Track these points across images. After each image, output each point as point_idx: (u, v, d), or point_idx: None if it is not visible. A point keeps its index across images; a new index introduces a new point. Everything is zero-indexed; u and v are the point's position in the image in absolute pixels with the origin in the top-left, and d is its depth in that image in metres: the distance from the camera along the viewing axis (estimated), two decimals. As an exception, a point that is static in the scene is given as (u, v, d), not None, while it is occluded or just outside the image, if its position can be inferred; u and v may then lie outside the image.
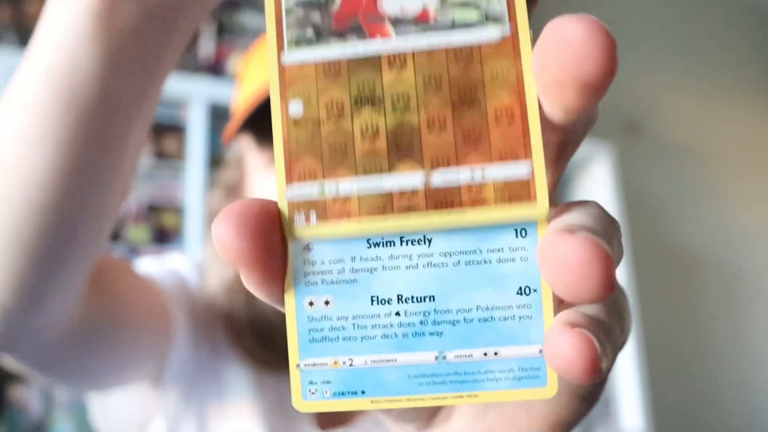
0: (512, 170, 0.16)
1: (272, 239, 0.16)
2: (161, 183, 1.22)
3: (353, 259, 0.17)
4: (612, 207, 1.54)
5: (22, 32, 1.20)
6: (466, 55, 0.17)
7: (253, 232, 0.15)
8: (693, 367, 1.95)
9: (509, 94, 0.16)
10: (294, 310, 0.17)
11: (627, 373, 1.50)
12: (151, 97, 0.31)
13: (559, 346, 0.14)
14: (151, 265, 0.54)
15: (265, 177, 0.51)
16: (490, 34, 0.16)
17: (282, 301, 0.17)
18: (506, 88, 0.16)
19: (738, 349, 2.06)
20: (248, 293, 0.54)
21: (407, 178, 0.17)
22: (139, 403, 0.49)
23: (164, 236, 1.21)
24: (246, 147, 0.55)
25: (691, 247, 2.03)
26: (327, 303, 0.17)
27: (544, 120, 0.16)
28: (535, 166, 0.16)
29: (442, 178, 0.16)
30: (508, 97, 0.16)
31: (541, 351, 0.16)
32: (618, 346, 0.17)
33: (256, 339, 0.53)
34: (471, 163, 0.16)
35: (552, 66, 0.14)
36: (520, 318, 0.16)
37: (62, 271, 0.31)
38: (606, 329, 0.15)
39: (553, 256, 0.14)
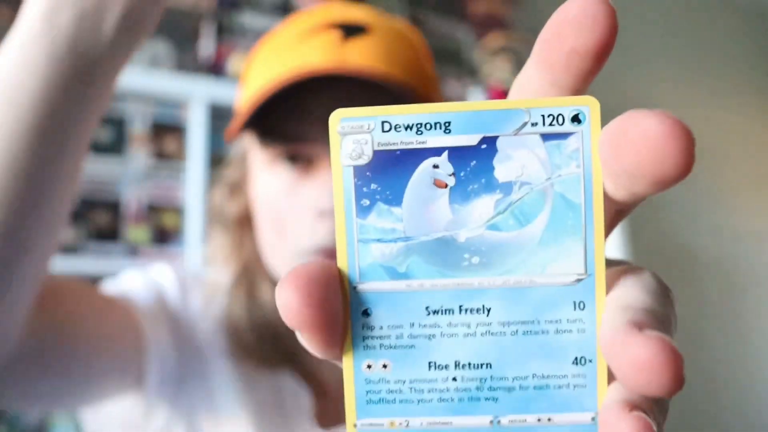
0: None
1: (335, 306, 0.17)
2: (161, 183, 1.22)
3: (412, 325, 0.17)
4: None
5: (22, 32, 1.20)
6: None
7: (318, 300, 0.16)
8: (692, 367, 1.94)
9: (583, 346, 0.17)
10: (352, 372, 0.17)
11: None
12: (92, 108, 0.34)
13: (617, 429, 0.15)
14: (133, 279, 0.54)
15: (268, 175, 0.51)
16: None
17: (341, 360, 0.18)
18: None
19: (738, 349, 2.06)
20: (248, 292, 0.55)
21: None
22: (129, 415, 0.49)
23: (164, 236, 1.21)
24: (249, 144, 0.55)
25: (691, 247, 2.03)
26: (385, 366, 0.17)
27: (606, 196, 0.17)
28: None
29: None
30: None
31: (593, 418, 0.17)
32: (667, 408, 0.17)
33: (254, 337, 0.53)
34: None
35: (627, 157, 0.14)
36: (574, 387, 0.17)
37: (10, 270, 0.34)
38: (660, 403, 0.16)
39: (623, 356, 0.14)
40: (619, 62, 2.08)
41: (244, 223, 0.56)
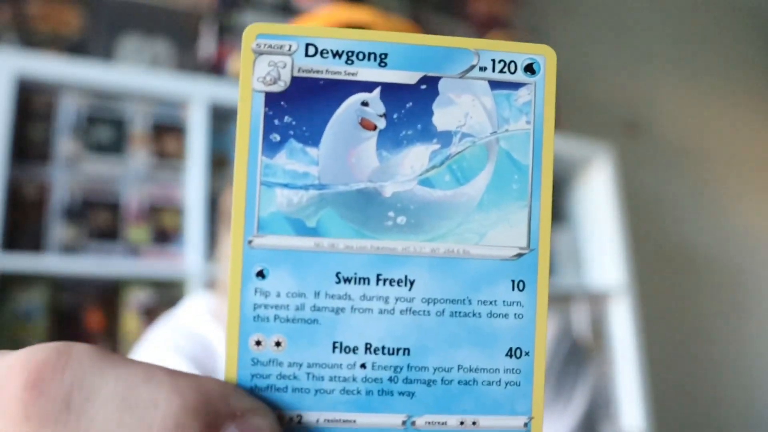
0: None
1: None
2: (161, 183, 1.22)
3: (317, 294, 0.14)
4: (612, 207, 1.54)
5: (22, 32, 1.20)
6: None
7: None
8: (693, 367, 1.95)
9: (519, 336, 0.14)
10: (236, 349, 0.14)
11: (628, 373, 1.50)
12: None
13: None
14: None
15: None
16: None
17: None
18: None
19: (738, 348, 2.06)
20: None
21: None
22: None
23: (164, 236, 1.21)
24: None
25: (691, 247, 2.03)
26: (278, 344, 0.14)
27: None
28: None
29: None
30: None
31: (526, 425, 0.14)
32: None
33: None
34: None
35: None
36: (506, 384, 0.14)
37: None
38: None
39: None
40: (622, 63, 2.08)
41: None
